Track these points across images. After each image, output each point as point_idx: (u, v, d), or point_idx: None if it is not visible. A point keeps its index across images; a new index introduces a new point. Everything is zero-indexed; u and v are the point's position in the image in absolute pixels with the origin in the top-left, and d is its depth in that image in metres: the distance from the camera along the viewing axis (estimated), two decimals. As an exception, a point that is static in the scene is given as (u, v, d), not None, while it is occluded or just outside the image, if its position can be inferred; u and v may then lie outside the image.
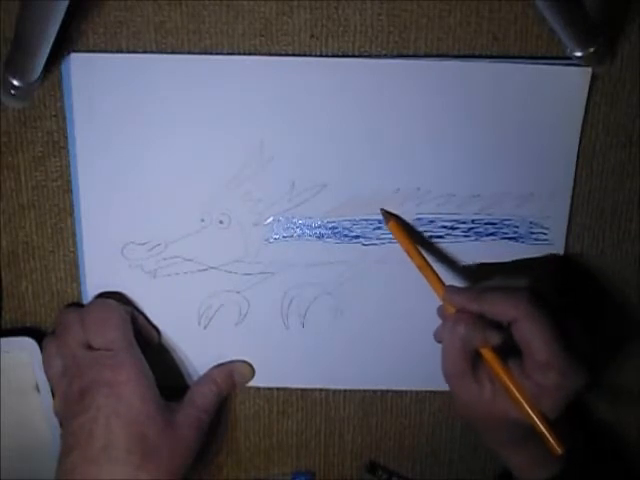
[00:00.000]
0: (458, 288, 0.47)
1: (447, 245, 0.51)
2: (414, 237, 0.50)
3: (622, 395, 0.55)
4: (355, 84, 0.48)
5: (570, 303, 0.52)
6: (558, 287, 0.51)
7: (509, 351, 0.46)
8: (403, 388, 0.54)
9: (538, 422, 0.44)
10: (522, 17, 0.47)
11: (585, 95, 0.48)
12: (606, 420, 0.55)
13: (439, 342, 0.48)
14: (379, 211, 0.50)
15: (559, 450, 0.44)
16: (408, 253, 0.48)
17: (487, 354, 0.45)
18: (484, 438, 0.50)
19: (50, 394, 0.51)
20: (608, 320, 0.53)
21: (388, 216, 0.49)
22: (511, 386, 0.45)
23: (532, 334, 0.44)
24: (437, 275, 0.48)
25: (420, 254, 0.48)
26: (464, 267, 0.51)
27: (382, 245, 0.50)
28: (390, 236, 0.50)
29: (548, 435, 0.44)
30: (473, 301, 0.45)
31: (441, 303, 0.48)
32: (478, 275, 0.51)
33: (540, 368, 0.44)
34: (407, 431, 0.55)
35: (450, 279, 0.50)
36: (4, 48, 0.45)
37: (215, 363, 0.52)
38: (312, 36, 0.47)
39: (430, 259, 0.49)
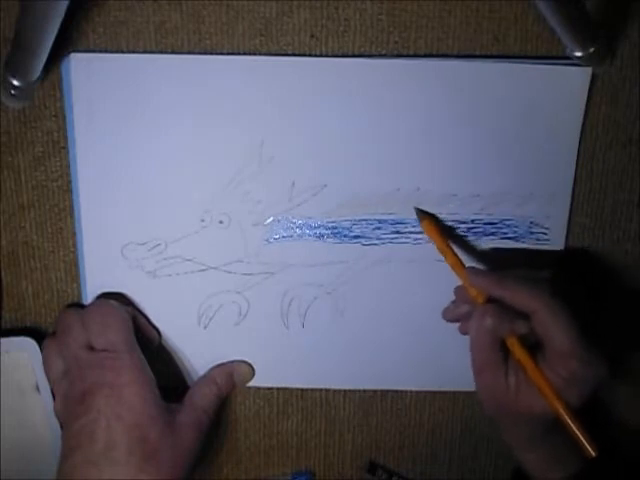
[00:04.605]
0: (481, 270, 0.48)
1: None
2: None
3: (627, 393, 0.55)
4: (355, 84, 0.47)
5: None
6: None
7: (532, 344, 0.46)
8: (403, 388, 0.54)
9: (563, 413, 0.44)
10: (522, 17, 0.47)
11: (585, 95, 0.48)
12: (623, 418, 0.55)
13: (448, 321, 0.50)
14: (380, 211, 0.50)
15: (592, 452, 0.44)
16: (441, 252, 0.48)
17: (513, 344, 0.46)
18: (505, 435, 0.50)
19: (50, 394, 0.50)
20: (608, 320, 0.53)
21: (422, 215, 0.49)
22: (537, 375, 0.45)
23: (552, 325, 0.44)
24: None
25: (453, 253, 0.48)
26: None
27: (382, 245, 0.50)
28: (390, 236, 0.50)
29: (574, 427, 0.44)
30: (495, 285, 0.46)
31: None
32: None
33: (562, 359, 0.44)
34: (407, 431, 0.55)
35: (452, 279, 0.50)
36: (4, 48, 0.45)
37: (215, 363, 0.52)
38: (312, 36, 0.47)
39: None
